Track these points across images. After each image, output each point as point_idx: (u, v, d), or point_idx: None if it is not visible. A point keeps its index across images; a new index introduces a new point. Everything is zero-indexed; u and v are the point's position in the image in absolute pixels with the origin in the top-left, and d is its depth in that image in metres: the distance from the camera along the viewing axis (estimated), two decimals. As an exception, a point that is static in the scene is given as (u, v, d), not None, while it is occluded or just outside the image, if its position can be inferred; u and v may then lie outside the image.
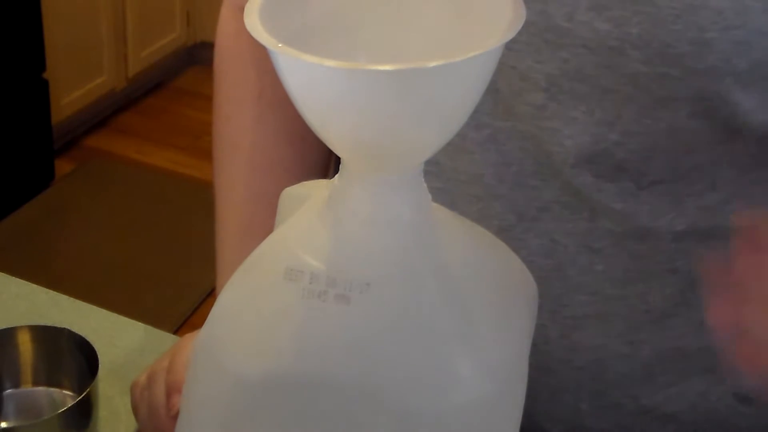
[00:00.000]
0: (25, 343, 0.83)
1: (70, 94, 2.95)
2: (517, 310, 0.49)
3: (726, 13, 0.56)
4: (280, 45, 0.39)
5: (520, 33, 0.40)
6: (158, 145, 3.14)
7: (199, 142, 3.07)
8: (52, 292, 0.97)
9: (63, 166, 2.94)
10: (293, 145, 0.77)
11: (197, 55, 3.53)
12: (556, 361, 0.69)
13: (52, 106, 2.82)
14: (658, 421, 0.71)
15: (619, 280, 0.67)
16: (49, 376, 0.83)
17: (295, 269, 0.44)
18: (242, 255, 0.48)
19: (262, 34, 0.39)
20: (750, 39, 0.56)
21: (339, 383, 0.43)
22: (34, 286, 0.98)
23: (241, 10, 0.41)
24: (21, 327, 0.83)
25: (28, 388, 0.83)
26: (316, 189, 0.48)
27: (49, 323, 0.84)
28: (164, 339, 0.92)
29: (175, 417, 0.67)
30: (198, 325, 0.52)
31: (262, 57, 0.65)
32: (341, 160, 0.45)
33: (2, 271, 1.00)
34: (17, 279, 0.99)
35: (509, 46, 0.40)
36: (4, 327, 0.82)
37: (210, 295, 2.38)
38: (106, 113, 3.24)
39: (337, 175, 0.45)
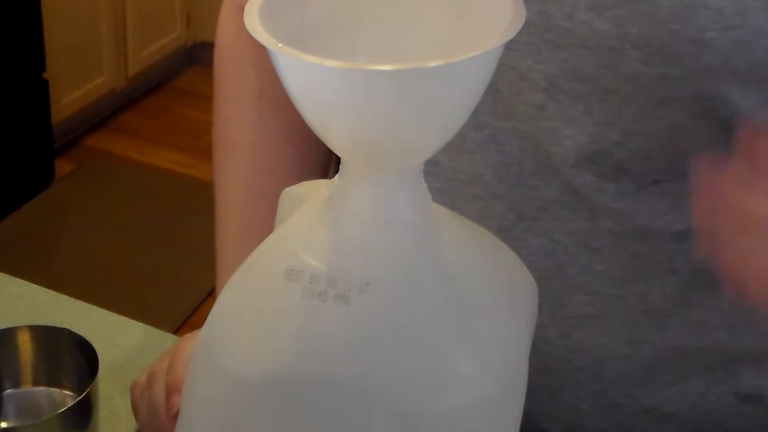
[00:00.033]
0: (25, 343, 0.83)
1: (70, 94, 2.95)
2: (517, 310, 0.49)
3: (725, 13, 0.56)
4: (280, 45, 0.39)
5: (519, 33, 0.40)
6: (158, 145, 3.14)
7: (199, 142, 3.07)
8: (52, 292, 0.97)
9: (63, 166, 2.94)
10: (293, 145, 0.77)
11: (197, 55, 3.53)
12: (556, 361, 0.69)
13: (52, 106, 2.82)
14: (658, 421, 0.71)
15: (619, 279, 0.67)
16: (49, 376, 0.83)
17: (295, 269, 0.44)
18: (242, 255, 0.48)
19: (262, 34, 0.39)
20: (749, 39, 0.56)
21: (339, 383, 0.43)
22: (34, 286, 0.98)
23: (241, 10, 0.41)
24: (21, 327, 0.83)
25: (28, 388, 0.83)
26: (316, 189, 0.48)
27: (49, 323, 0.84)
28: (164, 339, 0.92)
29: (174, 417, 0.67)
30: (198, 325, 0.52)
31: (262, 57, 0.65)
32: (341, 160, 0.45)
33: (2, 271, 1.00)
34: (17, 279, 0.99)
35: (509, 46, 0.40)
36: (4, 327, 0.82)
37: (210, 295, 2.38)
38: (106, 113, 3.24)
39: (337, 175, 0.45)
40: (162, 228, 2.71)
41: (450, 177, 0.68)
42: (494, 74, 0.41)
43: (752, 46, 0.57)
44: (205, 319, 0.47)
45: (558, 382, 0.70)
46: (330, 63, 0.38)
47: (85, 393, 0.76)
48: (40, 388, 0.83)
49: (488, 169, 0.67)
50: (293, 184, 0.53)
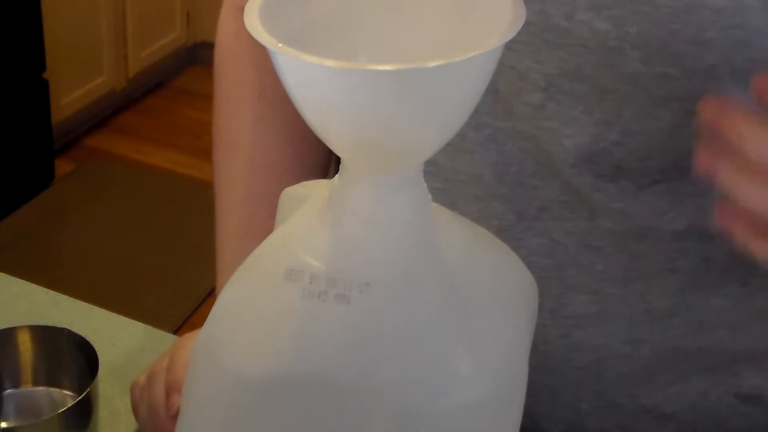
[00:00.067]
0: (25, 343, 0.83)
1: (70, 94, 2.95)
2: (517, 310, 0.49)
3: (724, 13, 0.56)
4: (280, 45, 0.39)
5: (519, 33, 0.40)
6: (158, 145, 3.14)
7: (199, 142, 3.07)
8: (52, 292, 0.97)
9: (63, 166, 2.94)
10: (293, 145, 0.77)
11: (197, 55, 3.53)
12: (556, 361, 0.69)
13: (52, 106, 2.82)
14: (658, 420, 0.71)
15: (619, 279, 0.67)
16: (49, 376, 0.83)
17: (295, 269, 0.44)
18: (242, 255, 0.48)
19: (262, 34, 0.39)
20: (749, 38, 0.56)
21: (339, 383, 0.43)
22: (34, 286, 0.98)
23: (242, 10, 0.41)
24: (21, 327, 0.83)
25: (28, 388, 0.83)
26: (316, 189, 0.48)
27: (49, 323, 0.84)
28: (164, 339, 0.92)
29: (174, 416, 0.67)
30: (198, 325, 0.52)
31: (262, 57, 0.65)
32: (341, 160, 0.45)
33: (2, 271, 1.00)
34: (17, 279, 0.99)
35: (508, 46, 0.40)
36: (4, 327, 0.82)
37: (210, 295, 2.38)
38: (106, 113, 3.24)
39: (337, 175, 0.45)
40: (162, 228, 2.71)
41: (450, 177, 0.68)
42: (494, 74, 0.41)
43: (751, 46, 0.57)
44: (205, 319, 0.47)
45: (558, 382, 0.70)
46: (330, 63, 0.38)
47: (85, 393, 0.76)
48: (40, 388, 0.84)
49: (488, 169, 0.67)
50: (293, 184, 0.53)
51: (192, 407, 0.48)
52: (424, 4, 0.45)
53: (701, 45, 0.57)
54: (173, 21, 3.43)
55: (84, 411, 0.77)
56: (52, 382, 0.83)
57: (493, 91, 0.64)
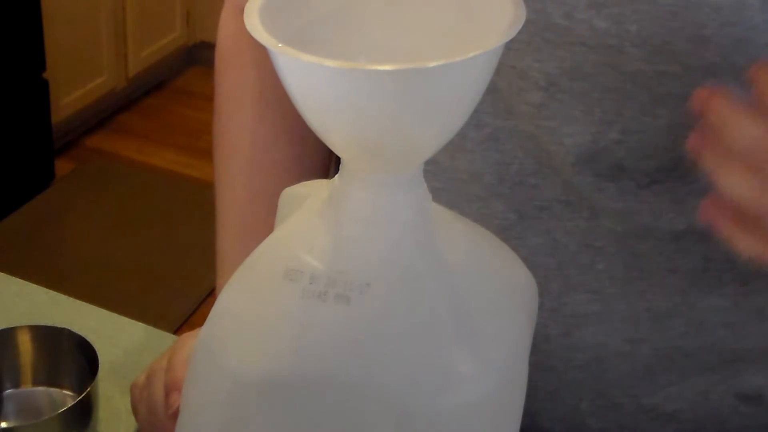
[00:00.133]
0: (25, 343, 0.83)
1: (70, 94, 2.95)
2: (517, 309, 0.49)
3: (724, 10, 0.56)
4: (280, 45, 0.39)
5: (519, 32, 0.40)
6: (158, 145, 3.14)
7: (199, 142, 3.07)
8: (52, 292, 0.97)
9: (63, 166, 2.94)
10: (293, 145, 0.77)
11: (197, 55, 3.53)
12: (557, 360, 0.69)
13: (52, 106, 2.82)
14: (659, 420, 0.71)
15: (619, 278, 0.67)
16: (49, 376, 0.83)
17: (295, 269, 0.44)
18: (242, 255, 0.48)
19: (262, 34, 0.39)
20: (748, 36, 0.56)
21: (339, 383, 0.43)
22: (34, 286, 0.98)
23: (242, 11, 0.41)
24: (21, 327, 0.83)
25: (28, 388, 0.83)
26: (316, 189, 0.48)
27: (49, 323, 0.84)
28: (164, 339, 0.92)
29: (173, 416, 0.67)
30: (198, 325, 0.52)
31: (262, 57, 0.65)
32: (341, 160, 0.45)
33: (2, 271, 1.00)
34: (17, 279, 0.99)
35: (508, 45, 0.40)
36: (4, 327, 0.82)
37: (210, 295, 2.38)
38: (106, 113, 3.23)
39: (337, 175, 0.45)
40: (162, 228, 2.71)
41: (450, 176, 0.68)
42: (494, 74, 0.41)
43: (750, 43, 0.57)
44: (205, 319, 0.47)
45: (558, 381, 0.70)
46: (329, 63, 0.38)
47: (85, 393, 0.76)
48: (40, 388, 0.83)
49: (488, 169, 0.67)
50: (293, 184, 0.53)
51: (192, 407, 0.48)
52: (424, 4, 0.45)
53: (701, 43, 0.57)
54: (173, 21, 3.43)
55: (84, 411, 0.77)
56: (52, 382, 0.83)
57: (493, 90, 0.64)
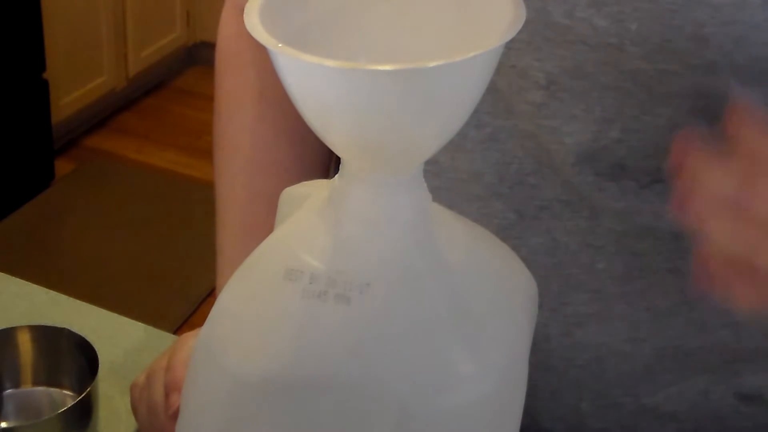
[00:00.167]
0: (25, 343, 0.83)
1: (70, 94, 2.95)
2: (517, 309, 0.49)
3: (724, 9, 0.56)
4: (280, 45, 0.39)
5: (519, 31, 0.40)
6: (158, 145, 3.14)
7: (199, 142, 3.07)
8: (52, 292, 0.97)
9: (63, 166, 2.94)
10: (293, 145, 0.77)
11: (197, 55, 3.53)
12: (557, 360, 0.69)
13: (52, 106, 2.82)
14: (659, 420, 0.71)
15: (620, 278, 0.67)
16: (49, 376, 0.83)
17: (295, 269, 0.44)
18: (242, 255, 0.48)
19: (262, 34, 0.39)
20: (748, 34, 0.56)
21: (339, 383, 0.43)
22: (34, 286, 0.98)
23: (242, 11, 0.41)
24: (21, 327, 0.83)
25: (28, 388, 0.83)
26: (316, 189, 0.48)
27: (49, 323, 0.84)
28: (164, 339, 0.92)
29: (173, 416, 0.67)
30: (198, 325, 0.52)
31: (262, 57, 0.65)
32: (341, 160, 0.45)
33: (2, 271, 1.00)
34: (17, 279, 0.99)
35: (508, 45, 0.40)
36: (4, 327, 0.82)
37: (210, 295, 2.38)
38: (106, 113, 3.24)
39: (337, 175, 0.45)
40: (162, 228, 2.71)
41: (450, 176, 0.68)
42: (494, 73, 0.41)
43: (751, 42, 0.57)
44: (205, 319, 0.47)
45: (558, 381, 0.70)
46: (330, 63, 0.38)
47: (85, 393, 0.76)
48: (40, 388, 0.84)
49: (489, 168, 0.67)
50: (293, 184, 0.53)
51: (192, 407, 0.48)
52: (424, 4, 0.45)
53: (701, 41, 0.57)
54: (173, 21, 3.43)
55: (84, 411, 0.77)
56: (52, 382, 0.83)
57: (493, 89, 0.64)
